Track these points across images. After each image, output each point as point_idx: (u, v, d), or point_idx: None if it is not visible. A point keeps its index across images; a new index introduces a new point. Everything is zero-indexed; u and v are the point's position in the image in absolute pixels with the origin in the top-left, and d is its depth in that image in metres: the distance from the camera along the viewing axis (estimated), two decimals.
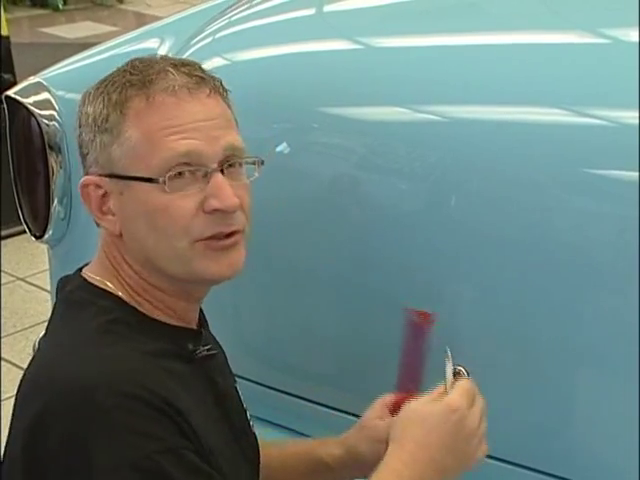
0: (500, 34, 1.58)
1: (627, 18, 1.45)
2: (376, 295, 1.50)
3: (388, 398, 1.36)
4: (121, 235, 1.22)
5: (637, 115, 1.29)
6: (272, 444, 1.44)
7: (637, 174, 1.26)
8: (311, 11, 1.88)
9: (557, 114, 1.39)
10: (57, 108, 1.89)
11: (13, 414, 1.19)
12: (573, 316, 1.35)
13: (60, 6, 8.04)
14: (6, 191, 2.39)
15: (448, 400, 1.20)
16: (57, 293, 1.28)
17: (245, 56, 1.77)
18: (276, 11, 1.89)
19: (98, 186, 1.22)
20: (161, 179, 1.17)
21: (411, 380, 1.34)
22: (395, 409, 1.31)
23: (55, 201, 1.88)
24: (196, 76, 1.21)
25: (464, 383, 1.22)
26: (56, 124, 1.87)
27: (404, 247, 1.45)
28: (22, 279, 3.77)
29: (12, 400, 1.20)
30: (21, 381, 1.20)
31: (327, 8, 1.88)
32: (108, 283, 1.23)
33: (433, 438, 1.18)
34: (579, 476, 1.37)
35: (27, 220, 1.97)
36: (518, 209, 1.37)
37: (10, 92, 1.94)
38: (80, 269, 1.28)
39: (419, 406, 1.21)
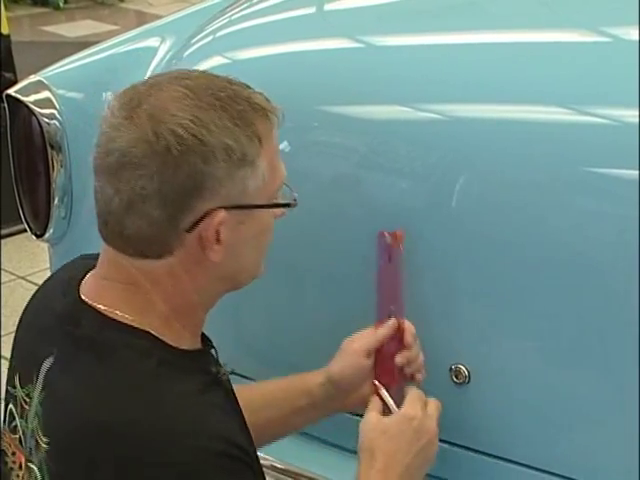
0: (500, 33, 1.58)
1: (627, 17, 1.45)
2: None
3: (371, 330, 1.41)
4: (211, 263, 1.17)
5: (637, 114, 1.29)
6: (251, 385, 1.48)
7: (637, 172, 1.26)
8: (311, 10, 1.88)
9: (559, 113, 1.39)
10: (58, 107, 1.89)
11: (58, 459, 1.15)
12: (573, 316, 1.35)
13: (61, 4, 8.03)
14: (6, 190, 2.39)
15: (403, 411, 1.32)
16: (64, 324, 1.20)
17: (245, 55, 1.77)
18: (276, 10, 1.89)
19: (222, 221, 1.15)
20: (292, 202, 1.23)
21: (392, 302, 1.39)
22: None
23: (56, 200, 1.88)
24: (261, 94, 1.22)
25: (412, 392, 1.34)
26: (57, 123, 1.87)
27: (405, 246, 1.45)
28: (23, 278, 3.77)
29: None
30: (56, 430, 1.16)
31: (327, 7, 1.88)
32: (134, 317, 1.18)
33: (400, 446, 1.28)
34: (581, 475, 1.37)
35: (28, 219, 1.97)
36: (519, 208, 1.37)
37: (11, 91, 1.94)
38: (78, 296, 1.21)
39: (375, 419, 1.32)
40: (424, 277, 1.43)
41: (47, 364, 1.19)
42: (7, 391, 1.28)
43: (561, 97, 1.38)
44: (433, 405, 1.34)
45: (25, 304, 1.40)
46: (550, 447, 1.38)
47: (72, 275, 1.27)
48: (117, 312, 1.17)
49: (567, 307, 1.34)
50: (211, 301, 1.23)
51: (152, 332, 1.17)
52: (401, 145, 1.46)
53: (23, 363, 1.27)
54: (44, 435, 1.17)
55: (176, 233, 1.14)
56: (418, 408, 1.32)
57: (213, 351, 1.27)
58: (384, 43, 1.65)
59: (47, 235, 1.93)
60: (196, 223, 1.14)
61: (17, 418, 1.24)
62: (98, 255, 1.27)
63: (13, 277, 3.77)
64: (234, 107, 1.14)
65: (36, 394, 1.20)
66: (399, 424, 1.30)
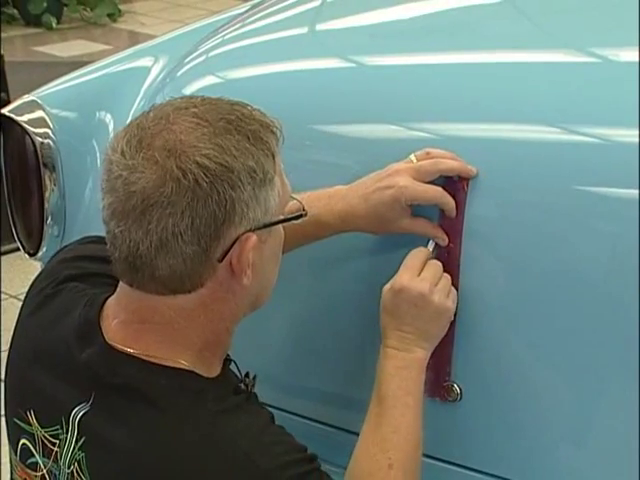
0: (493, 53, 1.59)
1: (621, 38, 1.46)
2: (375, 308, 1.50)
3: None
4: (239, 287, 1.18)
5: (637, 133, 1.29)
6: None
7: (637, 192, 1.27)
8: (304, 30, 1.89)
9: (552, 132, 1.40)
10: (51, 126, 1.89)
11: None
12: (567, 332, 1.35)
13: (54, 25, 8.04)
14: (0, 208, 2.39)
15: (391, 286, 1.30)
16: (98, 375, 1.18)
17: (238, 75, 1.78)
18: (269, 30, 1.90)
19: (255, 244, 1.15)
20: (304, 212, 1.24)
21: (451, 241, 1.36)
22: None
23: (49, 219, 1.88)
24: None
25: (404, 262, 1.32)
26: (50, 142, 1.88)
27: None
28: (15, 297, 3.76)
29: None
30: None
31: (320, 27, 1.89)
32: (170, 356, 1.18)
33: (400, 319, 1.29)
34: None
35: (21, 238, 1.97)
36: (514, 226, 1.37)
37: (4, 110, 1.95)
38: (104, 342, 1.19)
39: (383, 296, 1.32)
40: None
41: (80, 411, 1.18)
42: (13, 422, 1.26)
43: (556, 117, 1.38)
44: (427, 268, 1.31)
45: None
46: (542, 465, 1.38)
47: (87, 316, 1.23)
48: (154, 355, 1.17)
49: (561, 324, 1.35)
50: (236, 325, 1.23)
51: (194, 370, 1.18)
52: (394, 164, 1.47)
53: (37, 402, 1.24)
54: None
55: (210, 265, 1.14)
56: (405, 279, 1.29)
57: (233, 364, 1.27)
58: (376, 63, 1.66)
59: (40, 254, 1.93)
60: (227, 251, 1.13)
61: (38, 456, 1.23)
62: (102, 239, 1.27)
63: (5, 296, 3.76)
64: (247, 128, 1.14)
65: (69, 438, 1.18)
66: (391, 300, 1.30)
